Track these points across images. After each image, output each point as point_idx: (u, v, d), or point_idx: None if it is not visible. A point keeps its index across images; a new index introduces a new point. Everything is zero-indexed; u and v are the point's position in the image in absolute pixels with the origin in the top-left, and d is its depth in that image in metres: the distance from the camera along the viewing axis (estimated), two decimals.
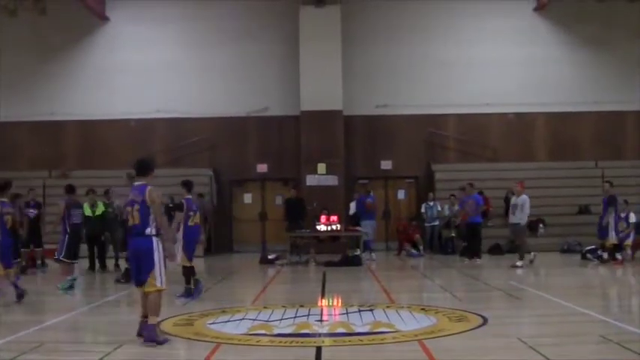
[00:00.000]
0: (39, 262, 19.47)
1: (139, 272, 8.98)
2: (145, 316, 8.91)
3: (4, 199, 12.74)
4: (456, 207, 23.12)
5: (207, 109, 26.54)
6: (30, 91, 26.82)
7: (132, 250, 9.16)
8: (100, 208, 18.93)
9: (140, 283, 8.96)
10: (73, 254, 14.80)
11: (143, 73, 26.68)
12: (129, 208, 9.06)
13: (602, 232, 19.51)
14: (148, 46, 26.86)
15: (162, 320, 10.15)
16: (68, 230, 14.79)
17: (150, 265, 8.90)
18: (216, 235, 26.02)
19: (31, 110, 26.56)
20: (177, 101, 26.54)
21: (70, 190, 15.41)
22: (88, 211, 18.29)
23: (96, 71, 26.88)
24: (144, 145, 26.40)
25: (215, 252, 25.33)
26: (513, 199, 19.24)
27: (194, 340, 9.02)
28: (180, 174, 25.75)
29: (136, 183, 9.18)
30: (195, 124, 26.63)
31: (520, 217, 18.84)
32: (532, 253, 18.98)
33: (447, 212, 23.93)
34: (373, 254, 21.70)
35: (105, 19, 27.14)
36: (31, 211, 19.29)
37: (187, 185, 13.81)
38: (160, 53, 26.82)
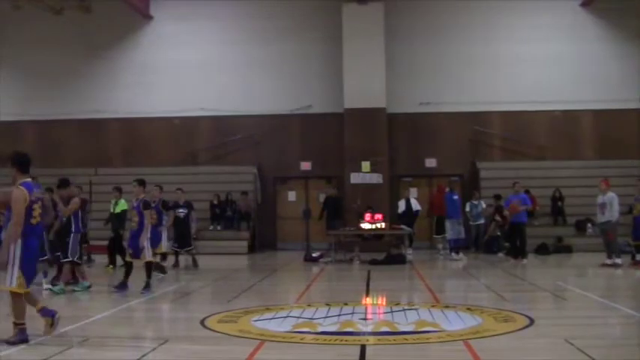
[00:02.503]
0: (85, 257, 19.65)
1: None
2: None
3: None
4: (483, 206, 23.19)
5: (251, 107, 26.62)
6: (75, 89, 27.21)
7: (37, 249, 8.93)
8: (121, 206, 18.53)
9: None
10: (80, 255, 14.18)
11: (187, 71, 26.88)
12: (35, 206, 8.63)
13: (638, 232, 18.75)
14: (192, 44, 27.02)
15: (208, 317, 10.20)
16: (75, 230, 13.66)
17: None
18: (260, 233, 26.12)
19: (77, 108, 26.93)
20: (220, 99, 26.69)
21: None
22: (111, 208, 18.77)
23: (140, 69, 27.17)
24: (188, 142, 26.70)
25: (259, 249, 25.44)
26: (600, 198, 18.79)
27: (238, 337, 9.00)
28: (224, 171, 26.25)
29: (29, 180, 8.70)
30: (239, 121, 26.74)
31: (610, 215, 18.50)
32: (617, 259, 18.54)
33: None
34: (461, 254, 21.60)
35: (149, 17, 27.37)
36: None
37: (143, 184, 14.36)
38: (203, 51, 26.98)
